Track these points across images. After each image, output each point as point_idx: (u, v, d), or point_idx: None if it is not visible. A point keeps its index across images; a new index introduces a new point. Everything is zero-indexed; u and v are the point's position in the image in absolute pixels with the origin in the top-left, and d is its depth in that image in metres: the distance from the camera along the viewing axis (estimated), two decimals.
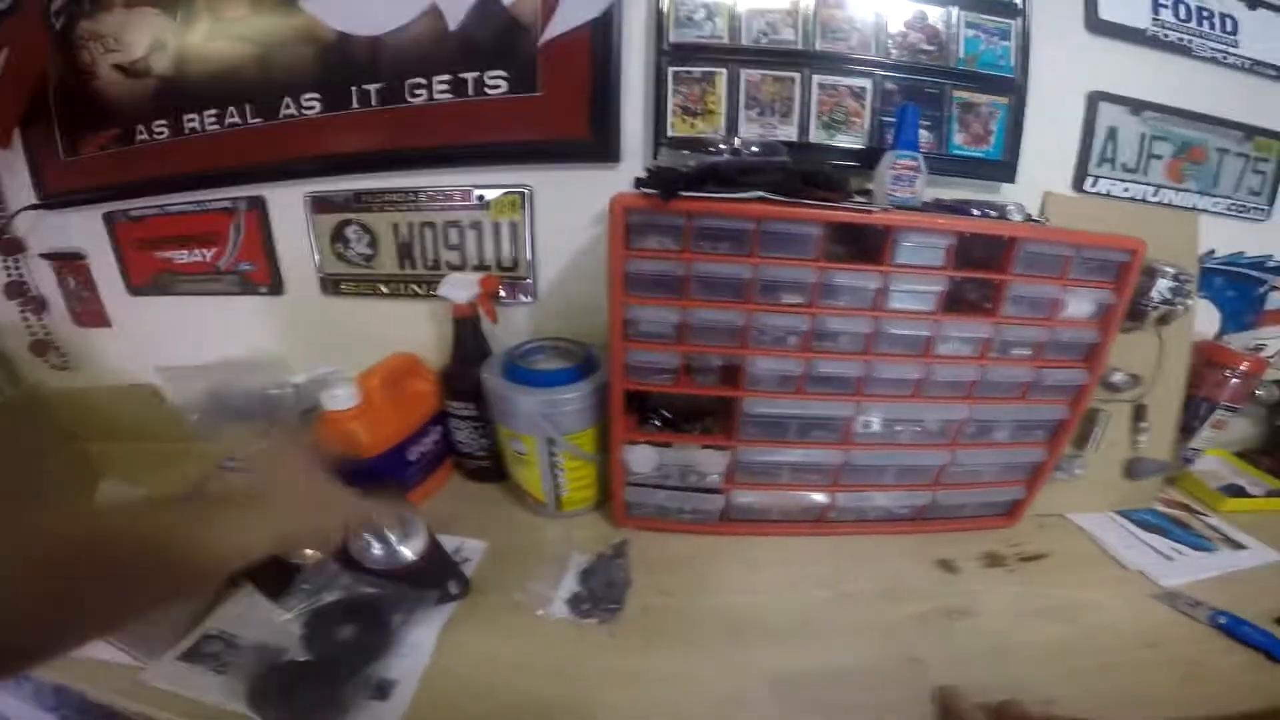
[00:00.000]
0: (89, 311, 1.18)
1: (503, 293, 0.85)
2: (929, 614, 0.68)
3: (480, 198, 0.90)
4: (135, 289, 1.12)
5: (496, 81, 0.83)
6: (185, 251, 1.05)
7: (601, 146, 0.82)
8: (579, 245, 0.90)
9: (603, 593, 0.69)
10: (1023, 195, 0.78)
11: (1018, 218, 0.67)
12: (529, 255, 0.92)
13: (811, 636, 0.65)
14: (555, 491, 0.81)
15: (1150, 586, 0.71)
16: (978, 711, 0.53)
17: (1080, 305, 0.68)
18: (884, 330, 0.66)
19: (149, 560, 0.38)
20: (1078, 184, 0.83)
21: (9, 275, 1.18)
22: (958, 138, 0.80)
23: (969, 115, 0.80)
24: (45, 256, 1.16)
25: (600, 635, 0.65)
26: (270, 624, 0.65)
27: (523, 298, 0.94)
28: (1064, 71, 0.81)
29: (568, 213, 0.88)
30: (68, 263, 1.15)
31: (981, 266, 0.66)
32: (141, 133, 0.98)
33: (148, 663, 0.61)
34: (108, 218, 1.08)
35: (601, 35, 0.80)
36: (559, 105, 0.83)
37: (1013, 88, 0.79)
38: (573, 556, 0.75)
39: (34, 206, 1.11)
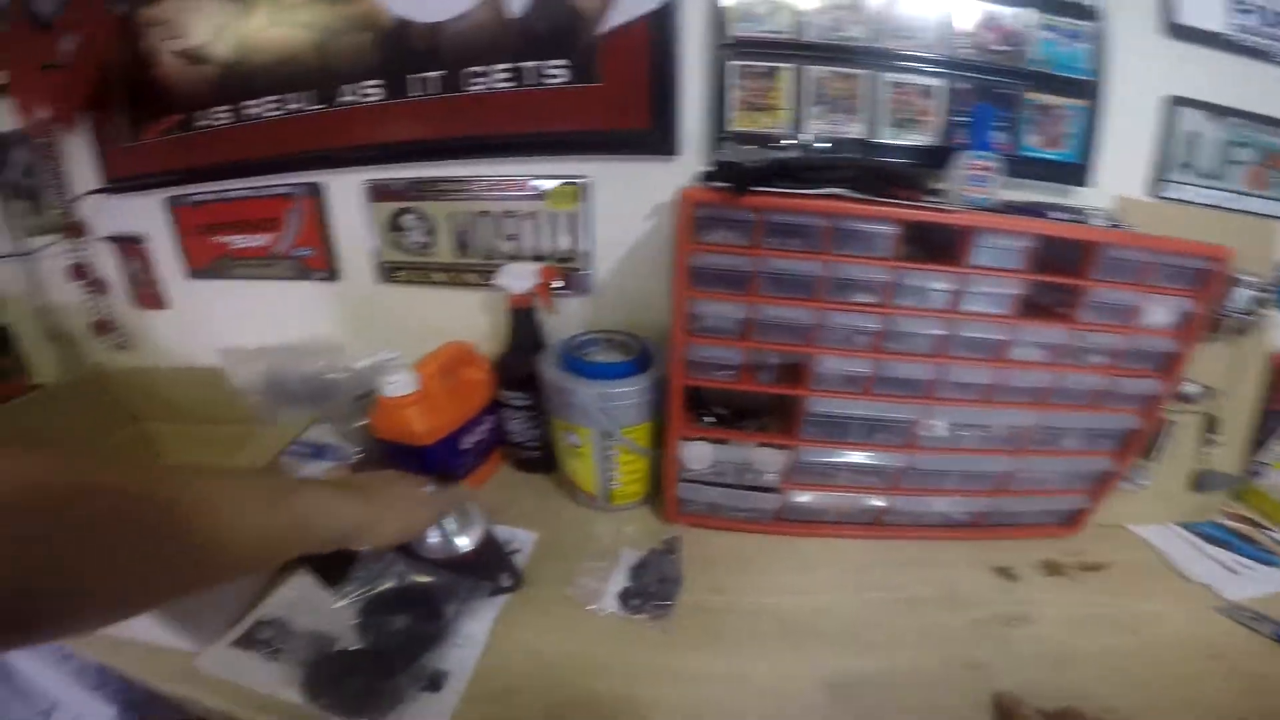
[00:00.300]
0: (148, 294, 1.19)
1: (558, 284, 0.82)
2: (986, 620, 0.65)
3: (538, 188, 0.87)
4: (194, 272, 1.12)
5: (556, 71, 0.80)
6: (243, 236, 1.04)
7: (661, 138, 0.79)
8: (635, 237, 0.87)
9: (655, 589, 0.66)
10: (1096, 199, 0.74)
11: (1100, 222, 0.63)
12: (584, 246, 0.89)
13: (867, 640, 0.62)
14: (607, 485, 0.79)
15: (1214, 600, 0.67)
16: (1038, 717, 0.50)
17: (1160, 313, 0.64)
18: (957, 333, 0.63)
19: (182, 530, 0.33)
20: (1153, 189, 0.78)
21: (73, 258, 1.19)
22: (1031, 139, 0.76)
23: (1043, 117, 0.75)
24: (108, 240, 1.16)
25: (651, 632, 0.62)
26: (324, 611, 0.63)
27: (577, 289, 0.92)
28: (1142, 75, 0.76)
29: (624, 204, 0.85)
30: (129, 246, 1.16)
31: (1055, 270, 0.62)
32: (203, 119, 0.97)
33: (201, 648, 0.59)
34: (169, 202, 1.07)
35: (660, 26, 0.76)
36: (618, 96, 0.80)
37: (1089, 90, 0.75)
38: (623, 551, 0.73)
39: (98, 191, 1.11)
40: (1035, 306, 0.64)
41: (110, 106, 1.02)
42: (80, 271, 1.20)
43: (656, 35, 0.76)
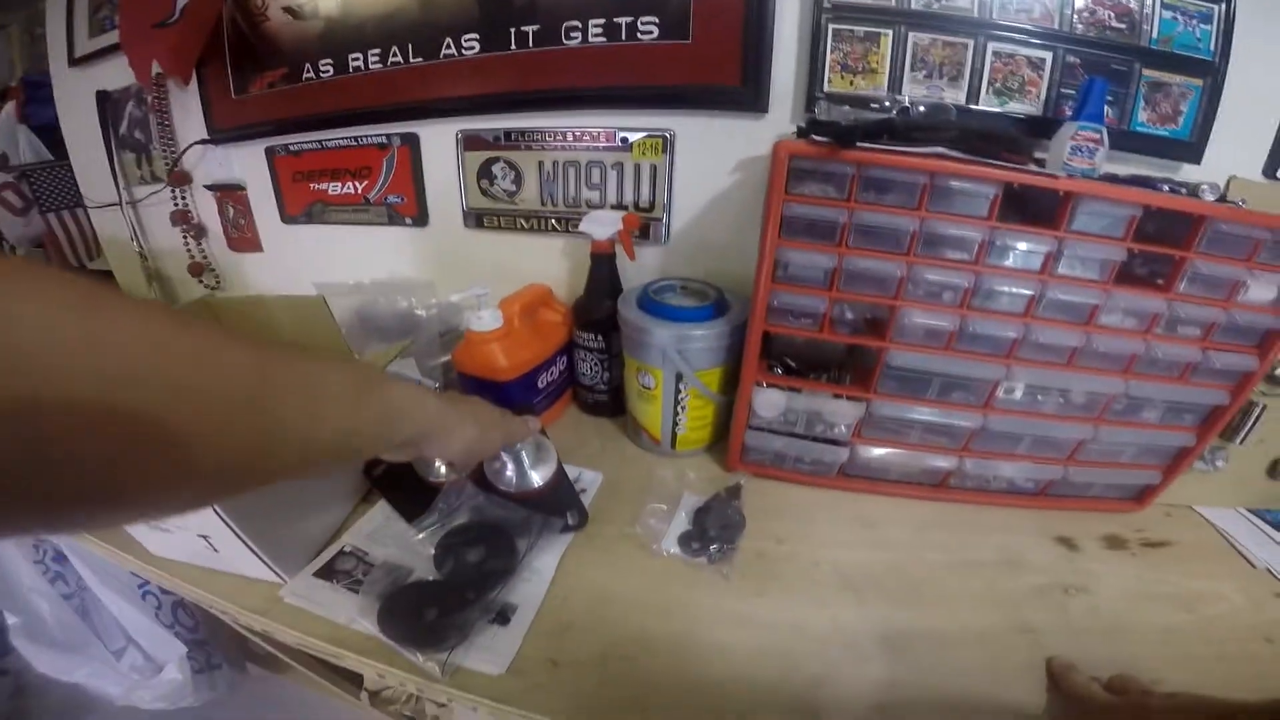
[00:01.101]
0: (244, 238, 1.22)
1: (636, 233, 0.82)
2: (1045, 588, 0.63)
3: (624, 139, 0.86)
4: (288, 218, 1.15)
5: (649, 27, 0.79)
6: (338, 184, 1.05)
7: (751, 96, 0.77)
8: (716, 190, 0.86)
9: (716, 534, 0.65)
10: (1205, 177, 0.69)
11: (1210, 197, 0.59)
12: (665, 198, 0.88)
13: (924, 597, 0.61)
14: (673, 430, 0.79)
15: (1277, 585, 0.64)
16: (1092, 683, 0.48)
17: (1263, 290, 0.60)
18: (1048, 295, 0.60)
19: (284, 412, 0.29)
20: (1270, 171, 0.72)
21: (175, 205, 1.23)
22: (1142, 115, 0.71)
23: (1157, 94, 0.71)
24: (209, 188, 1.20)
25: (711, 575, 0.62)
26: (403, 542, 0.64)
27: (655, 238, 0.91)
28: (1270, 58, 0.70)
29: (707, 157, 0.84)
30: (229, 193, 1.19)
31: (1153, 242, 0.59)
32: (308, 72, 0.98)
33: (287, 578, 0.60)
34: (268, 151, 1.09)
35: None
36: (709, 53, 0.78)
37: (1210, 70, 0.70)
38: (685, 496, 0.72)
39: (203, 141, 1.14)
40: (1130, 276, 0.61)
41: (220, 61, 1.04)
42: (182, 217, 1.24)
43: None
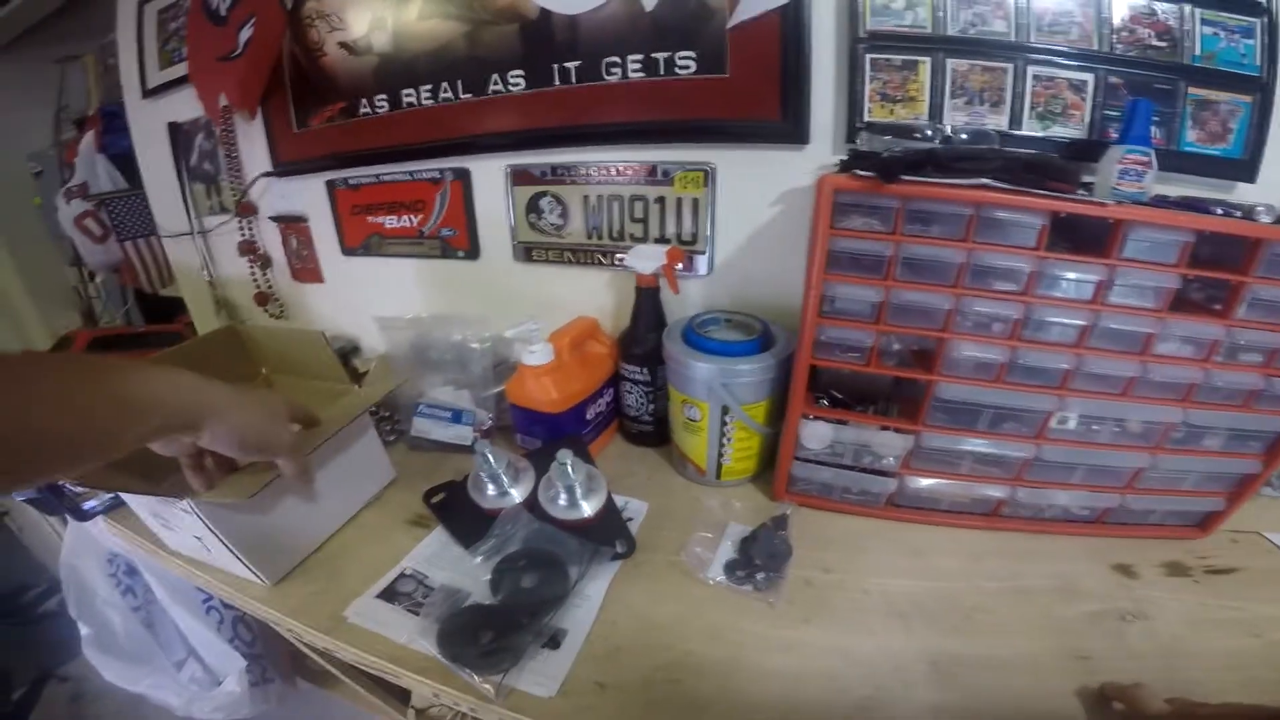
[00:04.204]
0: (306, 269, 1.29)
1: (680, 266, 0.83)
2: (1101, 614, 0.61)
3: (665, 173, 0.88)
4: (348, 250, 1.20)
5: (686, 62, 0.81)
6: (395, 217, 1.11)
7: (791, 128, 0.79)
8: (758, 222, 0.87)
9: (763, 562, 0.66)
10: (1261, 195, 0.67)
11: (1267, 219, 0.58)
12: (708, 230, 0.90)
13: (975, 624, 0.60)
14: (718, 460, 0.80)
15: None
16: (1154, 698, 0.48)
17: None
18: (1100, 325, 0.60)
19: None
20: None
21: (242, 235, 1.30)
22: (1190, 134, 0.70)
23: (1205, 112, 0.69)
24: (274, 219, 1.26)
25: (757, 603, 0.63)
26: (460, 567, 0.66)
27: (698, 271, 0.93)
28: None
29: (749, 190, 0.85)
30: (292, 225, 1.25)
31: (1208, 266, 0.58)
32: (364, 107, 1.03)
33: (350, 600, 0.63)
34: (329, 184, 1.15)
35: (793, 20, 0.75)
36: (747, 87, 0.79)
37: (1258, 85, 0.68)
38: (730, 525, 0.74)
39: (267, 174, 1.21)
40: (1187, 302, 0.61)
41: (282, 95, 1.10)
42: (248, 248, 1.31)
43: (786, 29, 0.75)
